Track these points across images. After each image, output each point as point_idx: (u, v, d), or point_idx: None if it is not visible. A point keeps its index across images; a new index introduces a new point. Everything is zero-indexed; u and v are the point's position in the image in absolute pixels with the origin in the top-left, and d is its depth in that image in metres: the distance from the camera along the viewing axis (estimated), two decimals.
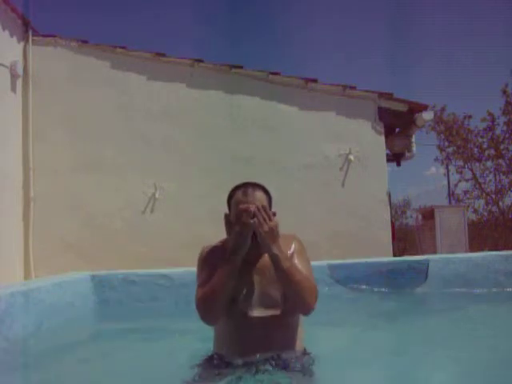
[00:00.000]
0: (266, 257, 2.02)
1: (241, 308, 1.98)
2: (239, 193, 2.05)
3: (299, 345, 2.08)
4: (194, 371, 2.01)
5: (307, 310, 1.97)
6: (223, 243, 2.11)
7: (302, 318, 2.10)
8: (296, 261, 2.05)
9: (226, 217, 2.07)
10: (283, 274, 1.92)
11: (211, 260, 2.05)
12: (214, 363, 2.03)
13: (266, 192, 2.09)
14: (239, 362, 1.97)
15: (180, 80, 6.80)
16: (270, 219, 1.95)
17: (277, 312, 1.98)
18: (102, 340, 3.34)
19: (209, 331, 2.17)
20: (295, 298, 1.95)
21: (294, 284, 1.92)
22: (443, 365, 2.33)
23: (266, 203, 2.03)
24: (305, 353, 2.09)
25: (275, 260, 1.92)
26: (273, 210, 2.07)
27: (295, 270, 1.95)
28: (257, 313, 1.98)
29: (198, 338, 2.38)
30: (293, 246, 2.14)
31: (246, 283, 2.01)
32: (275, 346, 1.98)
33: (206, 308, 1.95)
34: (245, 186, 2.07)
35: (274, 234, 1.94)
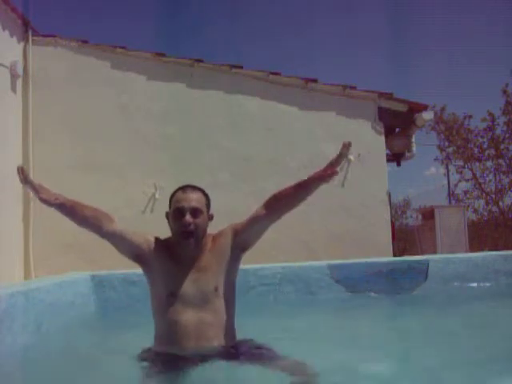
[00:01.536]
0: (205, 255, 2.18)
1: (178, 303, 2.11)
2: (179, 192, 2.21)
3: (232, 338, 2.21)
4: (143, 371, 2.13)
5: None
6: (165, 241, 2.26)
7: (235, 314, 2.24)
8: (248, 221, 2.22)
9: (166, 215, 2.25)
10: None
11: (147, 240, 2.22)
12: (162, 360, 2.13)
13: (205, 194, 2.24)
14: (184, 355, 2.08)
15: (180, 80, 6.80)
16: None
17: (211, 308, 2.12)
18: (102, 340, 3.33)
19: None
20: (289, 211, 2.24)
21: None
22: (443, 365, 2.34)
23: (203, 203, 2.19)
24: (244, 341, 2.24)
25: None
26: (211, 213, 2.25)
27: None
28: (193, 309, 2.11)
29: None
30: (229, 229, 2.26)
31: (184, 279, 2.14)
32: (211, 339, 2.11)
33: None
34: (185, 186, 2.24)
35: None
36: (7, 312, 3.04)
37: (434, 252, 8.12)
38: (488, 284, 4.43)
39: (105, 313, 4.34)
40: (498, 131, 12.92)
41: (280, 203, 2.22)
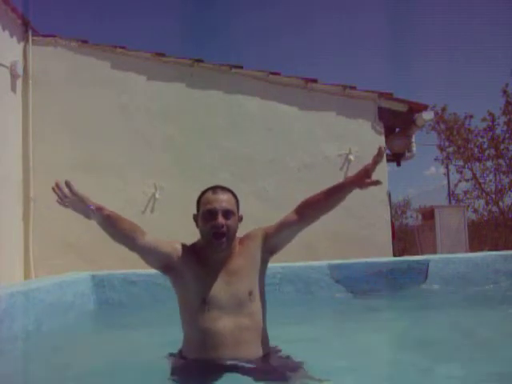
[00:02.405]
0: (235, 258, 2.12)
1: (212, 310, 2.04)
2: (208, 193, 2.14)
3: (266, 342, 2.14)
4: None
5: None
6: (194, 246, 2.20)
7: (266, 319, 2.16)
8: (279, 225, 2.18)
9: (194, 217, 2.18)
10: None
11: (175, 248, 2.14)
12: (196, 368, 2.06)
13: (234, 195, 2.18)
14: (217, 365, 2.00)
15: (180, 80, 6.80)
16: None
17: (247, 312, 2.06)
18: (102, 340, 3.33)
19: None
20: (321, 216, 2.22)
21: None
22: (442, 365, 2.33)
23: (234, 205, 2.13)
24: (277, 351, 2.18)
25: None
26: (241, 214, 2.18)
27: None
28: (228, 314, 2.04)
29: None
30: (260, 232, 2.21)
31: (216, 284, 2.07)
32: (249, 344, 2.04)
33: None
34: (215, 187, 2.17)
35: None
36: (7, 312, 3.04)
37: (434, 252, 8.12)
38: (488, 284, 4.43)
39: (105, 313, 4.34)
40: (498, 131, 12.91)
41: (311, 209, 2.18)
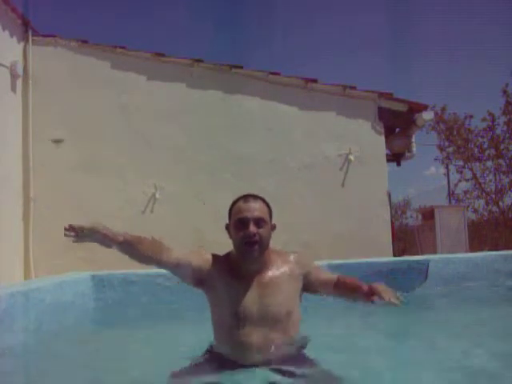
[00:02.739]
0: (270, 270, 2.08)
1: (243, 323, 2.00)
2: (241, 201, 2.09)
3: (299, 356, 2.09)
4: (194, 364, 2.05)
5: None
6: (226, 256, 2.15)
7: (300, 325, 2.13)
8: (322, 275, 2.16)
9: (227, 226, 2.13)
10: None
11: (206, 261, 2.10)
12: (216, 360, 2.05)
13: (267, 203, 2.13)
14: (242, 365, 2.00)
15: (180, 80, 6.80)
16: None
17: (280, 329, 2.02)
18: (102, 340, 3.33)
19: (208, 330, 2.18)
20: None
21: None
22: (442, 365, 2.34)
23: (266, 213, 2.08)
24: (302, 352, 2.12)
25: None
26: (274, 223, 2.13)
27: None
28: (259, 328, 2.00)
29: (198, 337, 2.38)
30: (304, 265, 2.18)
31: (249, 297, 2.03)
32: (279, 361, 2.00)
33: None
34: (246, 195, 2.12)
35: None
36: (7, 312, 3.04)
37: (434, 252, 8.11)
38: (488, 284, 4.43)
39: (105, 312, 4.34)
40: (498, 131, 12.92)
41: (334, 292, 2.17)
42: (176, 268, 2.07)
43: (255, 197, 2.11)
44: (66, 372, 2.56)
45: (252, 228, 2.00)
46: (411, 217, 15.66)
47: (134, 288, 4.49)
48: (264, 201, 2.12)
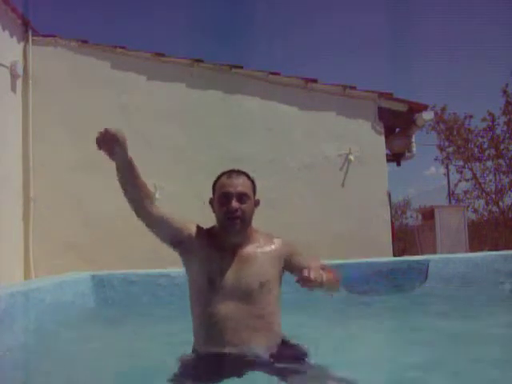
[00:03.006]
0: (250, 246, 2.11)
1: (218, 293, 2.02)
2: (224, 177, 2.14)
3: (276, 334, 2.11)
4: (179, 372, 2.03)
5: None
6: (210, 229, 2.19)
7: (280, 308, 2.14)
8: (302, 262, 2.09)
9: (210, 201, 2.18)
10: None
11: (189, 228, 2.15)
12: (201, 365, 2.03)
13: (250, 179, 2.17)
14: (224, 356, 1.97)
15: (180, 80, 6.80)
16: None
17: (253, 301, 2.03)
18: (103, 340, 3.33)
19: None
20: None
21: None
22: (442, 365, 2.34)
23: (249, 188, 2.12)
24: (286, 343, 2.13)
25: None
26: (257, 199, 2.17)
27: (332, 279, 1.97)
28: (235, 301, 2.02)
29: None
30: (286, 248, 2.18)
31: (226, 267, 2.06)
32: (253, 337, 2.01)
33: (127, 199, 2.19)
34: (230, 171, 2.16)
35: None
36: (7, 312, 3.04)
37: (434, 252, 8.11)
38: (488, 284, 4.43)
39: (105, 313, 4.34)
40: (498, 131, 12.92)
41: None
42: (158, 222, 2.11)
43: (239, 172, 2.15)
44: (65, 372, 2.56)
45: (234, 203, 2.04)
46: (411, 217, 15.66)
47: (134, 288, 4.49)
48: (248, 176, 2.16)
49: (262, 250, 2.13)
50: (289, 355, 2.06)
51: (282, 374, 1.95)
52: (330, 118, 6.81)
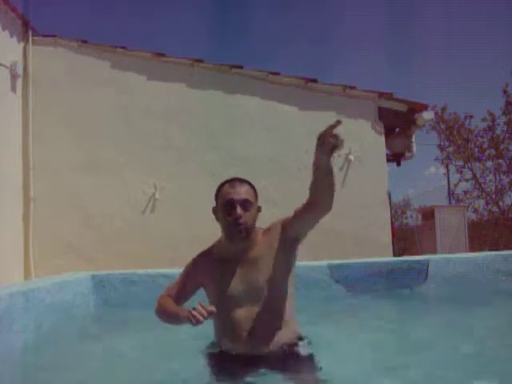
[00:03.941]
0: (255, 249, 2.15)
1: (230, 301, 2.09)
2: (226, 185, 2.17)
3: (292, 332, 2.17)
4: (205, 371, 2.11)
5: (329, 208, 2.09)
6: (211, 248, 2.28)
7: (294, 306, 2.21)
8: (296, 211, 2.16)
9: (214, 210, 2.21)
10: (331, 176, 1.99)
11: (193, 269, 2.25)
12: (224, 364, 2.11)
13: (252, 186, 2.20)
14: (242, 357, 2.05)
15: (180, 80, 6.80)
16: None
17: (264, 302, 2.08)
18: (103, 340, 3.33)
19: (209, 329, 2.19)
20: (328, 198, 2.03)
21: (332, 186, 2.01)
22: (442, 365, 2.34)
23: (252, 195, 2.15)
24: (299, 339, 2.20)
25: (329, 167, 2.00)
26: (259, 205, 2.21)
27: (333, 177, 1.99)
28: (245, 305, 2.08)
29: (199, 336, 2.39)
30: (278, 222, 2.23)
31: (234, 275, 2.12)
32: (265, 336, 2.07)
33: (157, 315, 2.23)
34: (232, 179, 2.19)
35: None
36: (7, 312, 3.04)
37: (434, 252, 8.12)
38: (488, 284, 4.43)
39: (105, 313, 4.34)
40: (498, 131, 12.92)
41: (311, 191, 2.09)
42: (187, 296, 2.27)
43: (241, 180, 2.19)
44: (65, 372, 2.56)
45: (239, 211, 2.07)
46: (411, 217, 15.67)
47: (134, 288, 4.49)
48: (250, 184, 2.19)
49: (264, 248, 2.17)
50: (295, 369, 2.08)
51: (292, 372, 2.01)
52: (329, 118, 6.76)
